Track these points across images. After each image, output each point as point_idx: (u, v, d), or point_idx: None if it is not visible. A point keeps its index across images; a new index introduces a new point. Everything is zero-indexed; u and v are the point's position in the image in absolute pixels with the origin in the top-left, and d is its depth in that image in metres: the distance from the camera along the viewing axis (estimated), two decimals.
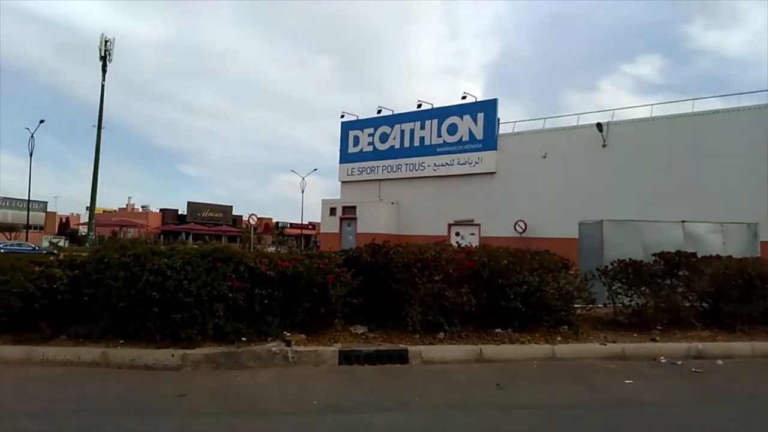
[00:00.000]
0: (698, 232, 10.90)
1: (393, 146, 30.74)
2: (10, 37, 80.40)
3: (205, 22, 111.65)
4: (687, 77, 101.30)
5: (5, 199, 52.65)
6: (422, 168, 29.32)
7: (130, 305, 5.78)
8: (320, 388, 4.95)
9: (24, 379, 5.11)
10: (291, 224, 62.83)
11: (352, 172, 32.75)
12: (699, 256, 8.07)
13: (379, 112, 31.52)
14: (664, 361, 6.35)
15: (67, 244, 39.40)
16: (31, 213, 44.75)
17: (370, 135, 31.84)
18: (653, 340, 7.00)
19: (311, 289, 6.31)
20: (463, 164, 27.65)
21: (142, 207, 66.38)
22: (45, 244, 37.94)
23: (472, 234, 25.98)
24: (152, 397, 4.63)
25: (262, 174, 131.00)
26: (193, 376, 5.34)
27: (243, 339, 5.97)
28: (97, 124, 37.61)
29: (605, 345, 6.63)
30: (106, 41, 38.07)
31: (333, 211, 31.96)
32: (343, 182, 33.57)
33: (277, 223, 64.23)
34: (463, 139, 27.68)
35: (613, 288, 7.89)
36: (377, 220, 29.02)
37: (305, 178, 48.32)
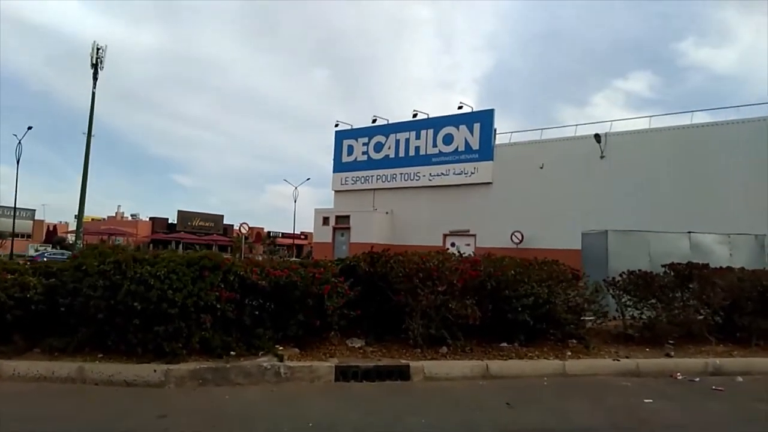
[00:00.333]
0: (705, 243, 10.67)
1: (388, 156, 30.49)
2: (1, 44, 79.72)
3: (199, 31, 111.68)
4: (678, 94, 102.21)
5: None
6: (417, 178, 29.08)
7: (110, 316, 5.35)
8: (315, 408, 4.57)
9: None
10: (283, 234, 62.08)
11: (345, 181, 32.43)
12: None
13: (374, 121, 31.35)
14: (681, 377, 6.01)
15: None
16: (18, 221, 43.88)
17: (364, 144, 31.60)
18: (668, 355, 6.64)
19: (306, 300, 5.89)
20: (459, 174, 27.45)
21: (132, 215, 65.52)
22: (31, 252, 37.13)
23: (468, 244, 25.57)
24: (130, 418, 4.20)
25: (254, 184, 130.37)
26: (176, 393, 4.93)
27: (232, 353, 5.56)
28: (87, 131, 37.03)
29: (618, 361, 6.28)
30: (98, 48, 37.57)
31: (326, 220, 31.60)
32: (336, 191, 33.24)
33: (269, 232, 63.45)
34: (459, 149, 27.49)
35: (623, 300, 7.56)
36: (371, 229, 28.58)
37: (298, 188, 47.80)
